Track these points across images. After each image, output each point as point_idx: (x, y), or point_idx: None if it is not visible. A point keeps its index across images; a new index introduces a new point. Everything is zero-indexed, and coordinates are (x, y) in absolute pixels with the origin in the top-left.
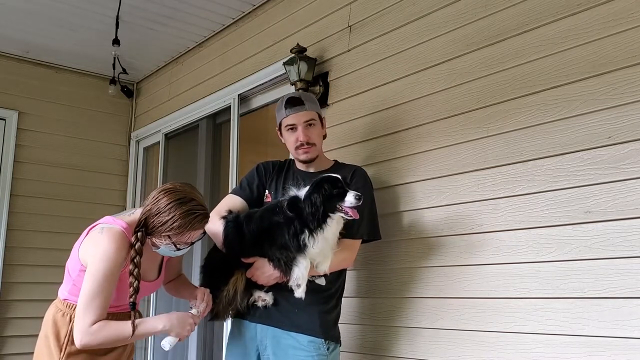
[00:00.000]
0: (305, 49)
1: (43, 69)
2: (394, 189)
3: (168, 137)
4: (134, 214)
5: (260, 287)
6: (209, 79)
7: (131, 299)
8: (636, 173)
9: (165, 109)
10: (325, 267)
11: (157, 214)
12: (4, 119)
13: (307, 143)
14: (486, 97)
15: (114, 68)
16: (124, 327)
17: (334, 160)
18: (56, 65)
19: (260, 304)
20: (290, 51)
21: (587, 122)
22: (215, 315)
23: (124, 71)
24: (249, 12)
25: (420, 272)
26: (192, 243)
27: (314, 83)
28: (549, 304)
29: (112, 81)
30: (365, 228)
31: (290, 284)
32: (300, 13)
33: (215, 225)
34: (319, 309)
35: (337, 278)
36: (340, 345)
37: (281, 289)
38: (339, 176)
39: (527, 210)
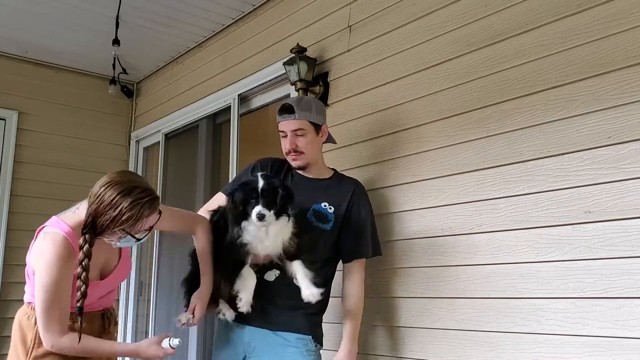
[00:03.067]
0: (305, 49)
1: (43, 69)
2: (393, 189)
3: (168, 137)
4: (78, 212)
5: (230, 299)
6: (209, 79)
7: (78, 304)
8: (636, 173)
9: (165, 109)
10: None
11: (103, 212)
12: (4, 119)
13: (295, 151)
14: (486, 97)
15: (114, 68)
16: (97, 345)
17: (333, 169)
18: (56, 65)
19: (220, 317)
20: (290, 51)
21: (587, 122)
22: (218, 311)
23: (124, 71)
24: (249, 12)
25: (420, 272)
26: (151, 228)
27: (314, 83)
28: (549, 304)
29: (112, 81)
30: (370, 247)
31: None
32: (300, 13)
33: None
34: (305, 311)
35: (324, 286)
36: (321, 348)
37: (269, 293)
38: (260, 184)
39: (527, 210)
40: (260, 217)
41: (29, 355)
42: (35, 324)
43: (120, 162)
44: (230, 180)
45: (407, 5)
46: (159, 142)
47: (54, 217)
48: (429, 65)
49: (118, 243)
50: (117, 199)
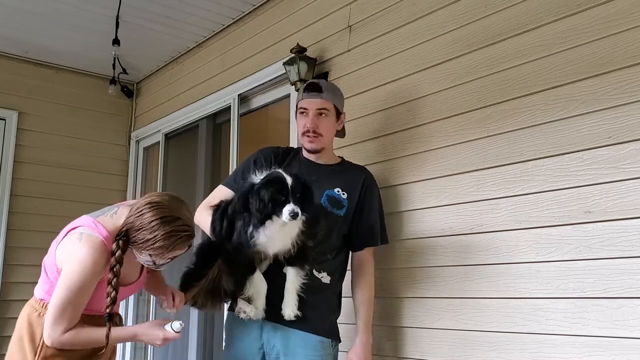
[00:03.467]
0: (305, 49)
1: (43, 69)
2: (393, 189)
3: (168, 137)
4: (116, 217)
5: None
6: (209, 79)
7: (107, 310)
8: (636, 173)
9: (165, 109)
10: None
11: (139, 229)
12: (4, 119)
13: (314, 132)
14: (486, 97)
15: (114, 68)
16: (95, 336)
17: (340, 157)
18: (56, 65)
19: (242, 316)
20: (290, 51)
21: (587, 122)
22: (193, 302)
23: (124, 71)
24: (249, 12)
25: (420, 272)
26: (174, 258)
27: None
28: (549, 304)
29: (112, 81)
30: (380, 235)
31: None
32: (300, 13)
33: (202, 215)
34: (327, 308)
35: (340, 277)
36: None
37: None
38: (289, 180)
39: (527, 210)
40: (294, 215)
41: (37, 354)
42: None
43: (120, 162)
44: None
45: (407, 5)
46: (159, 142)
47: (88, 218)
48: (429, 65)
49: (140, 260)
50: (156, 223)
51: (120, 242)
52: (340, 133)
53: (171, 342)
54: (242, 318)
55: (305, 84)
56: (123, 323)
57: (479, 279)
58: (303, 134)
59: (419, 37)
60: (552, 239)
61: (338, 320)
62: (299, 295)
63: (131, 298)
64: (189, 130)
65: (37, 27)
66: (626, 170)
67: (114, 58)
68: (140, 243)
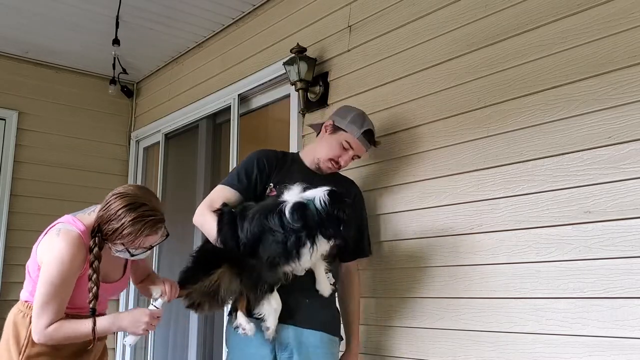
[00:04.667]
0: (305, 49)
1: (43, 69)
2: (393, 189)
3: (168, 137)
4: (93, 214)
5: (248, 311)
6: (209, 79)
7: (91, 305)
8: (636, 173)
9: (165, 109)
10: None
11: (107, 221)
12: (4, 119)
13: (339, 165)
14: (486, 97)
15: (114, 68)
16: (80, 327)
17: None
18: (56, 65)
19: (240, 332)
20: (290, 51)
21: (587, 122)
22: (190, 302)
23: (124, 71)
24: (249, 12)
25: (420, 272)
26: (151, 247)
27: (314, 83)
28: (549, 304)
29: (112, 81)
30: (369, 246)
31: (254, 312)
32: (300, 13)
33: (206, 218)
34: (335, 308)
35: (337, 281)
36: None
37: (303, 288)
38: (350, 203)
39: (527, 210)
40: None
41: (21, 354)
42: (30, 322)
43: (120, 162)
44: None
45: (407, 5)
46: (159, 142)
47: (68, 216)
48: (429, 65)
49: (116, 253)
50: (121, 211)
51: (96, 238)
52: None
53: (170, 341)
54: (239, 333)
55: (366, 127)
56: None
57: (479, 279)
58: (330, 160)
59: (419, 37)
60: (552, 239)
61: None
62: (309, 298)
63: (131, 297)
64: (189, 130)
65: (37, 27)
66: (626, 170)
67: (114, 58)
68: (111, 234)
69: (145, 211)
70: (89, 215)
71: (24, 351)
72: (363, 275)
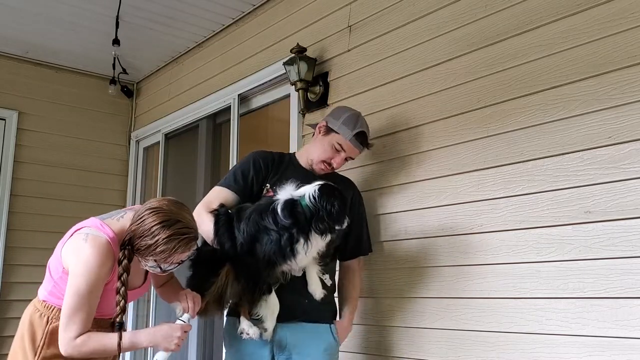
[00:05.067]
0: (305, 49)
1: (43, 69)
2: (393, 189)
3: (168, 137)
4: (124, 219)
5: (250, 314)
6: (209, 79)
7: (117, 319)
8: (636, 173)
9: (165, 109)
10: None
11: (140, 236)
12: (4, 119)
13: (332, 167)
14: (486, 97)
15: (114, 68)
16: (108, 341)
17: None
18: (56, 65)
19: (244, 336)
20: (290, 51)
21: (587, 122)
22: (205, 311)
23: (124, 71)
24: (249, 12)
25: (421, 272)
26: (182, 262)
27: (314, 83)
28: (549, 304)
29: (112, 81)
30: (368, 244)
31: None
32: (300, 13)
33: (203, 219)
34: (334, 306)
35: (334, 280)
36: None
37: (302, 289)
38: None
39: (527, 210)
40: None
41: (37, 355)
42: (48, 322)
43: (120, 162)
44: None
45: (407, 5)
46: (159, 142)
47: (95, 220)
48: (429, 65)
49: (146, 267)
50: (156, 228)
51: (126, 250)
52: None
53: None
54: (245, 338)
55: (358, 129)
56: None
57: (479, 279)
58: (322, 162)
59: (419, 37)
60: (552, 239)
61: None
62: (308, 299)
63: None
64: (189, 130)
65: (37, 27)
66: (626, 170)
67: (114, 58)
68: (143, 249)
69: (180, 229)
70: (118, 220)
71: (40, 352)
72: (362, 275)
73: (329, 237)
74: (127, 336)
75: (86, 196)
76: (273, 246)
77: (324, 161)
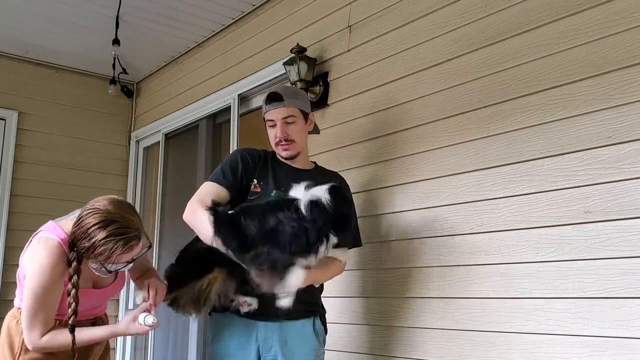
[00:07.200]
0: (305, 49)
1: (43, 69)
2: (393, 189)
3: (168, 137)
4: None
5: (244, 292)
6: (209, 79)
7: (70, 321)
8: (636, 173)
9: (165, 109)
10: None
11: (80, 238)
12: (4, 119)
13: (286, 140)
14: (486, 97)
15: (114, 68)
16: (71, 340)
17: (313, 162)
18: (56, 65)
19: (245, 309)
20: (290, 51)
21: (587, 122)
22: (175, 305)
23: (124, 71)
24: (249, 12)
25: (420, 272)
26: (131, 261)
27: (314, 83)
28: (549, 304)
29: (112, 81)
30: (355, 237)
31: (281, 292)
32: (300, 13)
33: (198, 217)
34: (311, 299)
35: None
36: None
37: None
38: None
39: (527, 210)
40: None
41: None
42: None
43: (120, 162)
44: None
45: (407, 5)
46: (159, 142)
47: (50, 222)
48: (429, 65)
49: (93, 269)
50: (92, 230)
51: (74, 252)
52: (315, 131)
53: (170, 341)
54: (243, 311)
55: (266, 95)
56: (108, 322)
57: (479, 279)
58: (276, 144)
59: (419, 37)
60: (552, 239)
61: (334, 321)
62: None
63: (131, 298)
64: (189, 130)
65: (37, 27)
66: (626, 170)
67: (114, 58)
68: (84, 251)
69: (117, 229)
70: (71, 220)
71: (18, 358)
72: (362, 275)
73: (336, 240)
74: (96, 332)
75: (86, 196)
76: (300, 240)
77: (276, 143)
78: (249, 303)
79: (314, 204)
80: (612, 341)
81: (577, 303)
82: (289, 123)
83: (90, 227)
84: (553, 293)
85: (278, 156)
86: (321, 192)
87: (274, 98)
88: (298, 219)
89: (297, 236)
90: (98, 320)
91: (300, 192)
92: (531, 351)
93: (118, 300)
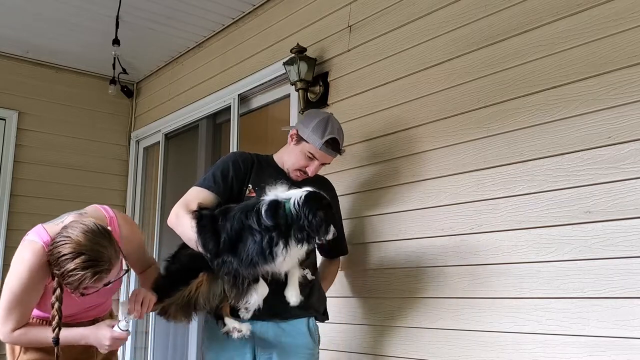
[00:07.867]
0: (305, 49)
1: (43, 69)
2: (393, 189)
3: (168, 137)
4: (62, 224)
5: (235, 315)
6: (209, 79)
7: (54, 333)
8: (636, 173)
9: (165, 109)
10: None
11: (52, 264)
12: (4, 119)
13: (308, 176)
14: (486, 97)
15: (114, 68)
16: (44, 338)
17: None
18: (56, 65)
19: (235, 335)
20: (290, 51)
21: (587, 122)
22: (165, 315)
23: (124, 71)
24: (249, 12)
25: (420, 272)
26: (108, 284)
27: (314, 83)
28: (549, 304)
29: (112, 81)
30: (345, 244)
31: (240, 305)
32: (300, 13)
33: (181, 221)
34: (315, 299)
35: (315, 271)
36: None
37: (281, 286)
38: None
39: (527, 210)
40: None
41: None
42: None
43: (120, 162)
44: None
45: (406, 6)
46: (159, 142)
47: (38, 225)
48: (428, 65)
49: (71, 292)
50: (61, 259)
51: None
52: None
53: (170, 341)
54: (233, 337)
55: (331, 138)
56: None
57: (479, 279)
58: (297, 170)
59: (418, 37)
60: (552, 239)
61: (334, 321)
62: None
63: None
64: (189, 130)
65: (37, 27)
66: (626, 170)
67: (114, 58)
68: (58, 277)
69: (84, 262)
70: (57, 225)
71: (18, 358)
72: (362, 275)
73: (306, 247)
74: (69, 333)
75: (86, 196)
76: (255, 246)
77: (298, 169)
78: (239, 330)
79: (273, 205)
80: (612, 341)
81: (577, 303)
82: (323, 165)
83: (60, 257)
84: (553, 293)
85: (276, 160)
86: (293, 195)
87: (336, 147)
88: (258, 224)
89: (255, 243)
90: (99, 320)
91: (273, 193)
92: (531, 351)
93: (118, 299)
